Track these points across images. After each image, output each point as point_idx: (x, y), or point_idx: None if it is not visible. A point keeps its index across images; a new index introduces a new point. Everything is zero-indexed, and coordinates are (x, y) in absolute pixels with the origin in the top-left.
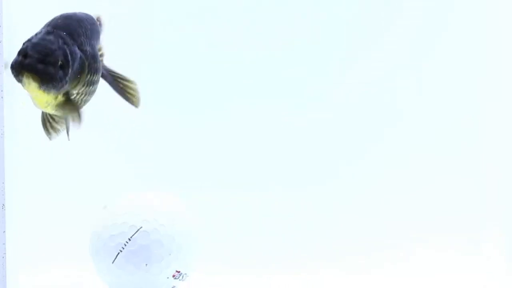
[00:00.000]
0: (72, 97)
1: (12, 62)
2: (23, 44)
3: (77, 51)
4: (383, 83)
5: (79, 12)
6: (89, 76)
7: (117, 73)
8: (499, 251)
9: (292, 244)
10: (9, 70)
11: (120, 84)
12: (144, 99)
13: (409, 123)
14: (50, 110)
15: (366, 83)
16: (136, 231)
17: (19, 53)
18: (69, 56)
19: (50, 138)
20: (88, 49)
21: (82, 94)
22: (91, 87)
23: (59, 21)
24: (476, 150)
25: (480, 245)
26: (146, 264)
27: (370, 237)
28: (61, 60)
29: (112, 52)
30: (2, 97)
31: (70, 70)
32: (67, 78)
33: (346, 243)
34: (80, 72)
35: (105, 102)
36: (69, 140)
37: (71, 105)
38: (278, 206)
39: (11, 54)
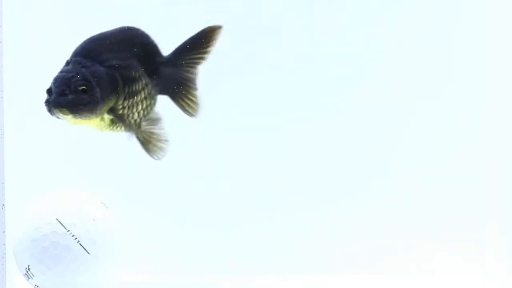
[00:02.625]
0: (120, 112)
1: (44, 102)
2: None
3: (100, 69)
4: (382, 83)
5: (109, 30)
6: (127, 88)
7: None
8: (499, 251)
9: (291, 244)
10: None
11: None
12: None
13: (409, 123)
14: (114, 131)
15: (363, 86)
16: (63, 225)
17: (46, 92)
18: (90, 77)
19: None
20: (115, 62)
21: (129, 107)
22: (136, 97)
23: (77, 47)
24: (476, 150)
25: (480, 245)
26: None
27: (368, 237)
28: (82, 84)
29: None
30: (2, 97)
31: (97, 90)
32: (98, 98)
33: (345, 243)
34: (112, 86)
35: None
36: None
37: (122, 121)
38: (278, 205)
39: (11, 54)
